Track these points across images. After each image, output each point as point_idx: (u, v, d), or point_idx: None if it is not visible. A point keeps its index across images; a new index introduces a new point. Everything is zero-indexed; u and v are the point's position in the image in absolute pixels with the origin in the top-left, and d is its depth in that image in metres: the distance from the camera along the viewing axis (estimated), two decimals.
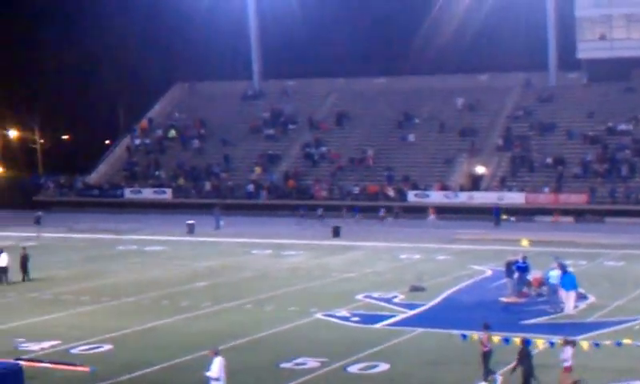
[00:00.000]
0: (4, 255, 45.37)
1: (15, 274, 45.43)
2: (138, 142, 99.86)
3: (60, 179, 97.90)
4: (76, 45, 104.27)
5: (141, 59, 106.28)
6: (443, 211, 78.90)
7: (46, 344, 30.67)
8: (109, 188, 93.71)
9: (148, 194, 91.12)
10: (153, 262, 52.99)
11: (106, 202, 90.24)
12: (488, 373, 25.14)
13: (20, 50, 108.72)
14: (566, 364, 24.08)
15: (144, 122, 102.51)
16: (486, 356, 25.14)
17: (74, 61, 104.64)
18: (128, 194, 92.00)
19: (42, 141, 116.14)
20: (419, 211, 79.35)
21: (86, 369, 27.01)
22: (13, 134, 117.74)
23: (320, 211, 76.36)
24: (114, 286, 43.45)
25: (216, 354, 23.20)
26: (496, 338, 26.12)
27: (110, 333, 32.45)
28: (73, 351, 29.82)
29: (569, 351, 24.09)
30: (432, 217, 76.13)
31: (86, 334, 32.20)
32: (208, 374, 23.02)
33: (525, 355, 24.07)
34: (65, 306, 38.15)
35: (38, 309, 37.51)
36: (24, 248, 47.61)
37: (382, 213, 76.14)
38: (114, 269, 49.92)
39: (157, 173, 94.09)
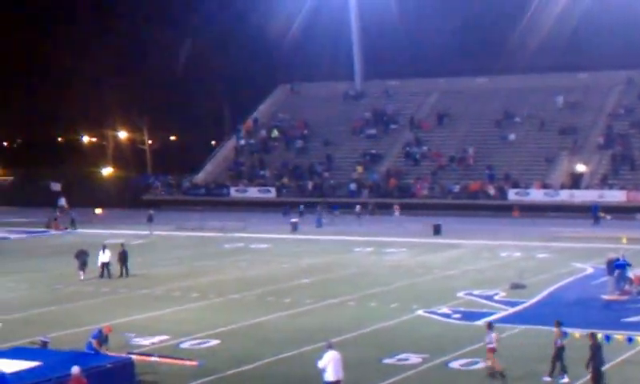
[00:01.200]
0: (107, 251, 47.12)
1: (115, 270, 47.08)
2: (243, 142, 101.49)
3: (168, 179, 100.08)
4: (183, 47, 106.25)
5: (246, 61, 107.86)
6: (544, 209, 78.68)
7: (156, 339, 31.50)
8: (215, 187, 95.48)
9: (253, 193, 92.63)
10: (258, 259, 54.02)
11: (213, 201, 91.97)
12: (563, 368, 25.53)
13: (128, 52, 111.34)
14: (490, 346, 26.38)
15: (249, 123, 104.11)
16: (559, 352, 25.55)
17: (181, 62, 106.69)
18: (233, 193, 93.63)
19: (150, 142, 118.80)
20: (505, 210, 79.65)
21: (195, 363, 27.64)
22: (123, 135, 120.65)
23: (301, 208, 78.97)
24: (221, 283, 44.45)
25: (329, 347, 23.98)
26: (577, 335, 26.43)
27: (218, 328, 33.26)
28: (182, 346, 30.61)
29: (492, 335, 26.41)
30: (397, 213, 76.86)
31: (194, 330, 33.03)
32: (319, 363, 23.87)
33: (596, 349, 24.32)
34: (174, 302, 39.26)
35: (149, 304, 38.66)
36: (122, 245, 49.15)
37: (357, 209, 77.46)
38: (221, 266, 51.06)
39: (261, 172, 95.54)
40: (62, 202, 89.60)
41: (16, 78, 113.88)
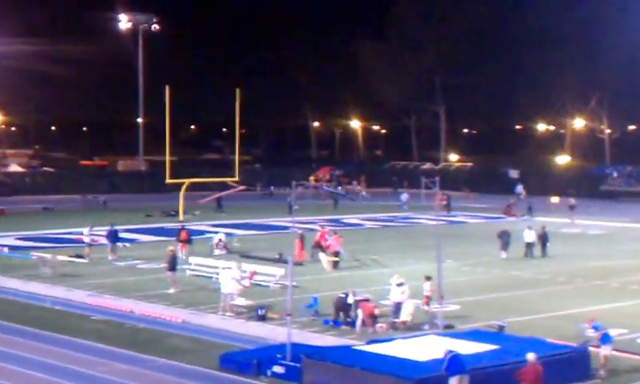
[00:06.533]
0: (532, 232, 49.71)
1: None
2: None
3: (627, 169, 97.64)
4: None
5: None
6: None
7: (612, 331, 30.97)
8: None
9: None
10: None
11: None
12: None
13: (588, 40, 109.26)
14: (426, 293, 32.14)
15: None
16: None
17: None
18: None
19: (609, 131, 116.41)
20: None
21: None
22: (580, 124, 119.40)
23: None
24: None
25: None
26: None
27: None
28: (639, 341, 29.85)
29: (428, 285, 32.08)
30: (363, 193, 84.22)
31: None
32: None
33: None
34: (632, 296, 38.31)
35: (605, 296, 37.89)
36: (543, 227, 51.06)
37: None
38: None
39: None
40: (519, 189, 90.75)
41: (476, 68, 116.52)
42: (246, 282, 35.31)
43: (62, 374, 25.53)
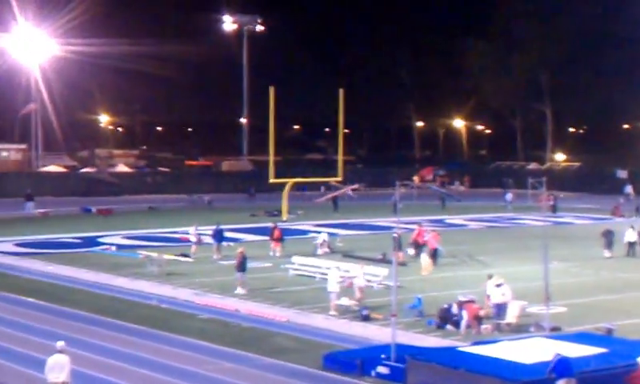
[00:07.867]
0: (634, 231, 49.68)
1: None
2: None
3: None
4: None
5: None
6: None
7: None
8: None
9: None
10: None
11: None
12: None
13: None
14: (488, 293, 31.90)
15: None
16: None
17: None
18: None
19: None
20: None
21: None
22: None
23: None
24: None
25: None
26: None
27: None
28: None
29: (489, 285, 31.99)
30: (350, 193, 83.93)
31: None
32: None
33: None
34: None
35: None
36: (632, 226, 50.82)
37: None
38: None
39: None
40: (628, 189, 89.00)
41: (583, 66, 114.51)
42: (361, 281, 35.05)
43: (169, 372, 25.86)
